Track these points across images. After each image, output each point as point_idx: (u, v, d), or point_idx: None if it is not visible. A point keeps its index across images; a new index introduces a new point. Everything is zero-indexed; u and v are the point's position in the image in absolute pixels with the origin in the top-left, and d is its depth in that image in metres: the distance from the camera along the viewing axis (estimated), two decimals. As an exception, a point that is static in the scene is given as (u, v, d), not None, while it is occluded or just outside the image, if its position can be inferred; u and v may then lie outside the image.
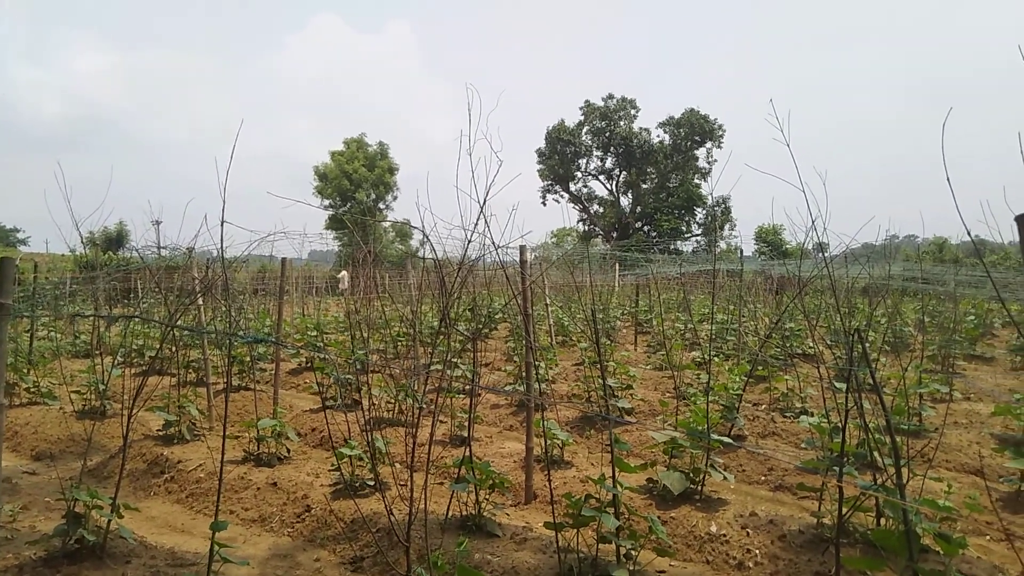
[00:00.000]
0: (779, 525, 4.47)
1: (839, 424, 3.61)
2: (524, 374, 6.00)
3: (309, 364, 10.62)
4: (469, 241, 2.74)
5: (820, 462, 4.72)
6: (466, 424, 4.92)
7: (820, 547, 4.18)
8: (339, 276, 28.60)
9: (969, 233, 2.98)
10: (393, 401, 7.26)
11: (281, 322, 7.60)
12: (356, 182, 46.15)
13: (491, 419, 7.90)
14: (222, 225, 3.41)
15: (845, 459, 4.74)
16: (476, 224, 2.67)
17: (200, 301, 8.34)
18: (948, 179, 2.89)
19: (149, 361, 7.16)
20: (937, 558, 3.65)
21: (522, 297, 5.02)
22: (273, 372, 7.76)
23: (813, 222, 4.28)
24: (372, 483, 5.23)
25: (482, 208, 2.68)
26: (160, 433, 6.80)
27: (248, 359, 9.14)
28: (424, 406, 7.87)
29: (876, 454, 4.59)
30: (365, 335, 8.46)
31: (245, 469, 5.85)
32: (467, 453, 4.38)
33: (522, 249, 5.43)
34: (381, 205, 48.02)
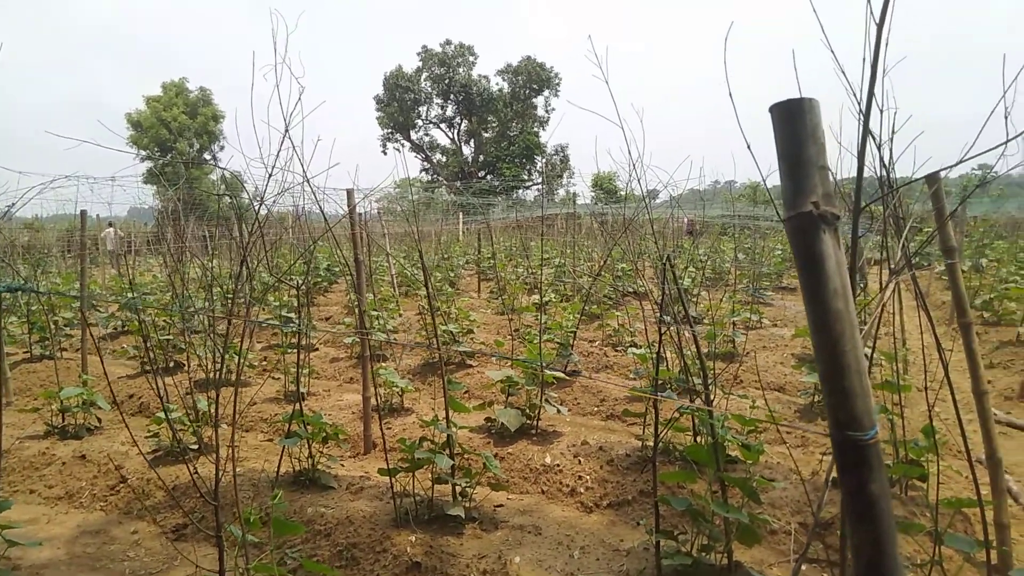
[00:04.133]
0: (608, 451, 4.71)
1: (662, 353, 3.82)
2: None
3: (126, 328, 9.75)
4: (270, 175, 2.51)
5: (643, 389, 5.00)
6: (302, 379, 4.70)
7: (644, 467, 4.46)
8: (103, 235, 21.49)
9: (764, 181, 3.19)
10: (219, 361, 6.82)
11: (86, 281, 6.85)
12: (176, 131, 42.26)
13: (330, 373, 7.67)
14: (-20, 166, 2.92)
15: (667, 385, 5.07)
16: (278, 155, 2.45)
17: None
18: (740, 127, 3.05)
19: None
20: (743, 466, 4.00)
21: (351, 242, 4.82)
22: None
23: (633, 162, 4.42)
24: (196, 447, 4.90)
25: (285, 133, 2.46)
26: (-60, 413, 5.95)
27: (51, 325, 8.20)
28: (255, 364, 7.49)
29: (693, 378, 4.95)
30: (185, 292, 7.84)
31: (48, 443, 5.27)
32: (297, 407, 4.20)
33: (349, 193, 5.19)
34: (207, 156, 44.42)
